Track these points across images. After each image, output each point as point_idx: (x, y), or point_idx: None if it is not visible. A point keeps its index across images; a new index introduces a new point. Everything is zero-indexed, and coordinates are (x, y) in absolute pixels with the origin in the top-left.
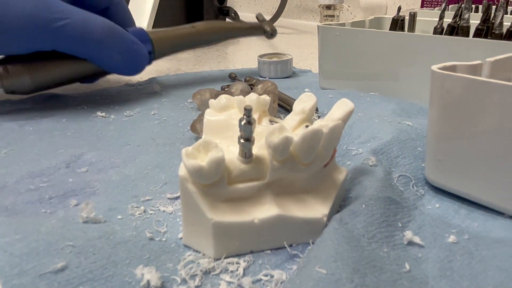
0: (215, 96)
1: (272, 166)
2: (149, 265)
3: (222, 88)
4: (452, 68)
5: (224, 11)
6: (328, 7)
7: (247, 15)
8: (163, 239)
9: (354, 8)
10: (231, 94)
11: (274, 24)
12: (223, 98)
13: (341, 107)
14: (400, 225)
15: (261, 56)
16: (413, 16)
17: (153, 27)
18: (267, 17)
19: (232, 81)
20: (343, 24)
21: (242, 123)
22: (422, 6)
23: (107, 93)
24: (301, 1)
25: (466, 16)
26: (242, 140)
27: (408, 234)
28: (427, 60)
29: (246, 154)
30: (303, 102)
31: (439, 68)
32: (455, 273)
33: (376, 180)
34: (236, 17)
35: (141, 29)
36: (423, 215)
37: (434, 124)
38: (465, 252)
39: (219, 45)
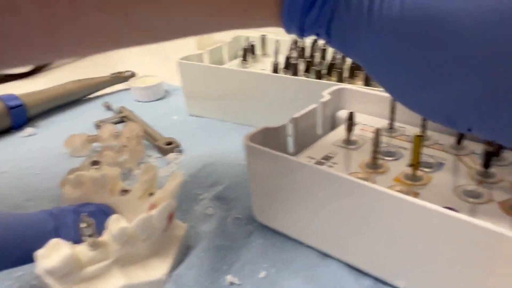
0: (85, 142)
1: (114, 248)
2: None
3: (95, 124)
4: (264, 132)
5: None
6: None
7: None
8: None
9: None
10: (100, 138)
11: None
12: (79, 176)
13: (173, 180)
14: (226, 267)
15: (133, 79)
16: (263, 38)
17: None
18: None
19: (106, 110)
20: (201, 56)
21: (84, 228)
22: None
23: None
24: None
25: (294, 54)
26: (85, 237)
27: (229, 278)
28: (260, 93)
29: (90, 245)
30: (147, 172)
31: (250, 138)
32: None
33: (211, 229)
34: None
35: (12, 95)
36: (248, 253)
37: (252, 179)
38: (270, 285)
39: (100, 55)
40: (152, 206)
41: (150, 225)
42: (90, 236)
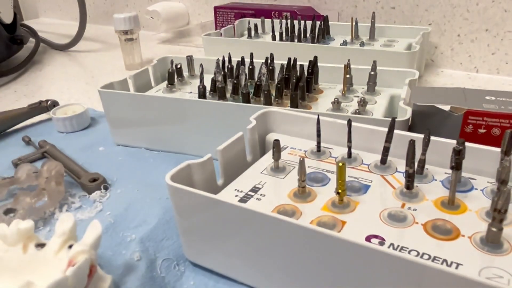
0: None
1: None
2: None
3: (13, 163)
4: (186, 170)
5: (18, 40)
6: (126, 32)
7: (53, 22)
8: None
9: (158, 17)
10: (17, 180)
11: (76, 48)
12: None
13: (92, 231)
14: None
15: (55, 109)
16: (190, 59)
17: None
18: (75, 23)
19: (26, 145)
20: (125, 82)
21: None
22: (215, 23)
23: None
24: (107, 6)
25: (219, 78)
26: None
27: None
28: (188, 119)
29: None
30: (63, 223)
31: (172, 177)
32: None
33: (140, 276)
34: (37, 39)
35: None
36: None
37: (179, 217)
38: None
39: (18, 83)
40: (71, 262)
41: (66, 287)
42: None
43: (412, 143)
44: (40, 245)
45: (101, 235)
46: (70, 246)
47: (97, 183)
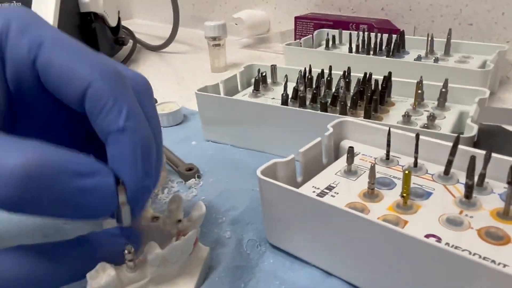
0: None
1: (150, 270)
2: None
3: None
4: (273, 167)
5: (120, 41)
6: (214, 38)
7: (145, 23)
8: None
9: (242, 24)
10: None
11: (167, 49)
12: None
13: (197, 210)
14: (242, 285)
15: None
16: (273, 68)
17: None
18: (167, 25)
19: None
20: (217, 87)
21: (127, 254)
22: (295, 32)
23: None
24: (195, 11)
25: (301, 88)
26: (127, 262)
27: None
28: (271, 122)
29: (130, 267)
30: (173, 202)
31: (262, 171)
32: None
33: (229, 251)
34: (135, 40)
35: None
36: (261, 271)
37: (264, 206)
38: None
39: None
40: (179, 233)
41: (179, 251)
42: (130, 260)
43: (473, 158)
44: (155, 218)
45: (204, 213)
46: (179, 221)
47: (192, 172)
